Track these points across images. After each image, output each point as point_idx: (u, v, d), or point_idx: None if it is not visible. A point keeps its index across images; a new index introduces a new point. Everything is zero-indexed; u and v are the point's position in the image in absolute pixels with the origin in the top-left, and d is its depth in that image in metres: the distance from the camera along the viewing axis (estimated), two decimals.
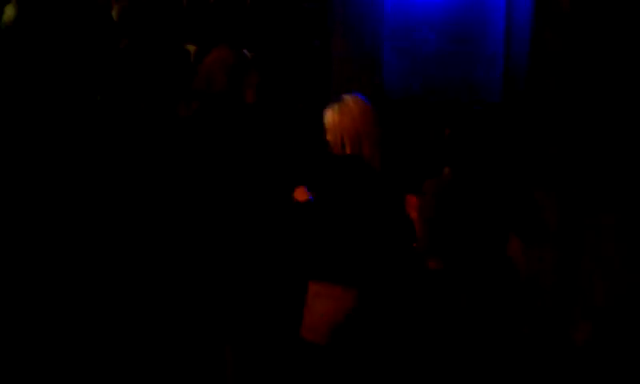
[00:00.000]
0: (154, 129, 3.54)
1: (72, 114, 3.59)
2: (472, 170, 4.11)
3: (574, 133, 4.49)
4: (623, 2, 4.54)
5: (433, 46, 4.76)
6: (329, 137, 3.26)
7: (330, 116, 3.27)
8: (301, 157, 3.51)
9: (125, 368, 3.42)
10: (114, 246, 3.46)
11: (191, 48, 3.97)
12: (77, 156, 3.49)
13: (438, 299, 3.22)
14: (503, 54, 4.77)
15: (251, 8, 4.28)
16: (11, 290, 3.38)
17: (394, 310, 2.85)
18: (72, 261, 3.43)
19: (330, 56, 4.45)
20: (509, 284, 3.70)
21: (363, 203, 3.13)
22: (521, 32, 4.77)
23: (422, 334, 2.66)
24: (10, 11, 3.61)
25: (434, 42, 4.77)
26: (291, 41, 4.34)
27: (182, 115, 3.47)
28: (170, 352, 3.45)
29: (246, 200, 3.34)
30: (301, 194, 3.24)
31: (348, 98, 3.28)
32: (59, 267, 3.42)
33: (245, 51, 3.47)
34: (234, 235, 3.33)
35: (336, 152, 3.23)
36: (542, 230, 3.49)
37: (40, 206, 3.43)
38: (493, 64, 4.82)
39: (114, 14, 4.06)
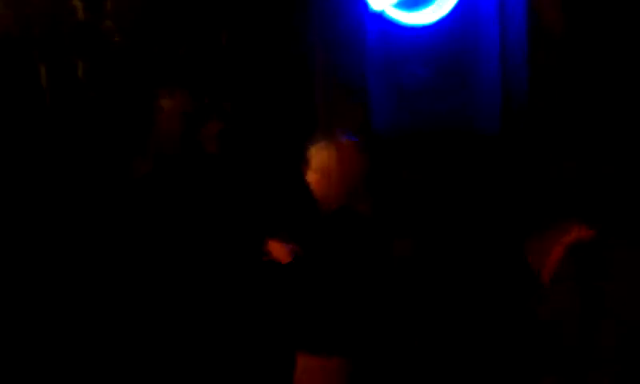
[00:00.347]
0: (105, 192, 3.20)
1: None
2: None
3: (581, 161, 4.23)
4: (615, 22, 4.30)
5: (423, 80, 4.49)
6: (315, 179, 2.86)
7: (321, 158, 2.90)
8: (282, 210, 3.14)
9: None
10: None
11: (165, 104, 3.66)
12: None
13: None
14: (500, 84, 4.51)
15: (228, 52, 4.00)
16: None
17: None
18: None
19: (313, 97, 4.16)
20: (526, 332, 3.42)
21: (358, 266, 2.75)
22: (516, 59, 4.51)
23: None
24: None
25: (424, 76, 4.50)
26: (273, 84, 4.05)
27: (136, 175, 3.11)
28: None
29: (208, 265, 2.96)
30: (279, 250, 2.83)
31: (344, 142, 2.92)
32: None
33: (204, 97, 3.13)
34: (198, 305, 2.93)
35: (321, 197, 2.83)
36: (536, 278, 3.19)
37: None
38: (489, 95, 4.55)
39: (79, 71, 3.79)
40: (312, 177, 2.84)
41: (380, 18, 4.44)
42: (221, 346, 2.95)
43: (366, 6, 4.28)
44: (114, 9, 3.84)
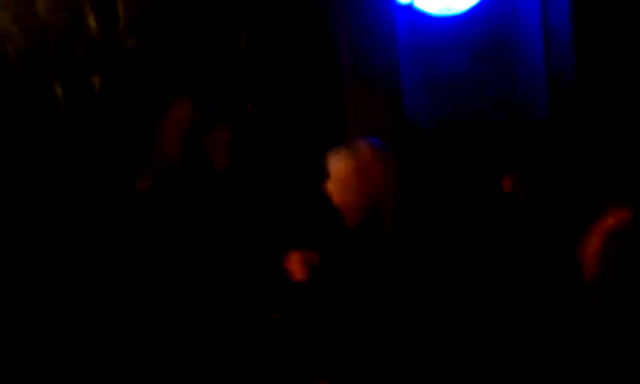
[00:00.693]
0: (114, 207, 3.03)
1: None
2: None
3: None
4: None
5: (460, 68, 4.22)
6: (331, 190, 2.57)
7: (339, 168, 2.52)
8: (300, 225, 2.86)
9: None
10: None
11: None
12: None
13: None
14: (545, 67, 4.21)
15: (248, 55, 3.81)
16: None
17: None
18: None
19: (342, 95, 3.93)
20: (577, 332, 3.11)
21: (377, 291, 2.45)
22: (561, 38, 4.20)
23: None
24: None
25: (463, 63, 4.23)
26: (296, 85, 3.83)
27: (137, 191, 2.91)
28: None
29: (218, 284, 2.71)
30: (297, 267, 2.56)
31: (364, 148, 2.53)
32: None
33: (211, 106, 2.89)
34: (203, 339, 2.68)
35: (346, 213, 2.53)
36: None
37: None
38: (533, 79, 4.25)
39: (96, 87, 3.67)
40: (330, 188, 2.55)
41: (410, 7, 4.20)
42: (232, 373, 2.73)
43: None
44: (129, 22, 3.71)
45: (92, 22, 3.72)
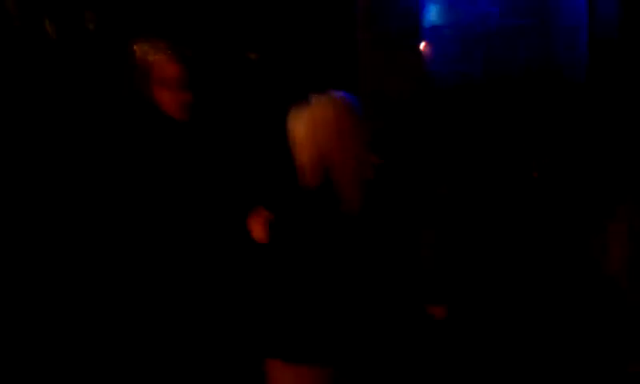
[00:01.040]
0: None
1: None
2: None
3: None
4: None
5: (495, 20, 3.86)
6: (293, 151, 2.34)
7: (292, 127, 2.33)
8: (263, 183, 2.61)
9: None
10: None
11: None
12: None
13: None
14: (586, 21, 3.81)
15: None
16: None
17: None
18: None
19: (355, 45, 3.62)
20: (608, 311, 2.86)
21: (327, 257, 2.25)
22: None
23: None
24: None
25: (496, 15, 3.88)
26: (304, 33, 3.54)
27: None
28: None
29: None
30: (257, 226, 2.32)
31: (317, 102, 2.29)
32: None
33: (166, 42, 2.57)
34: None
35: (307, 178, 2.30)
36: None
37: None
38: (574, 38, 3.84)
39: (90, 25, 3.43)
40: (291, 146, 2.31)
41: None
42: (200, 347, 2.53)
43: None
44: None
45: None
